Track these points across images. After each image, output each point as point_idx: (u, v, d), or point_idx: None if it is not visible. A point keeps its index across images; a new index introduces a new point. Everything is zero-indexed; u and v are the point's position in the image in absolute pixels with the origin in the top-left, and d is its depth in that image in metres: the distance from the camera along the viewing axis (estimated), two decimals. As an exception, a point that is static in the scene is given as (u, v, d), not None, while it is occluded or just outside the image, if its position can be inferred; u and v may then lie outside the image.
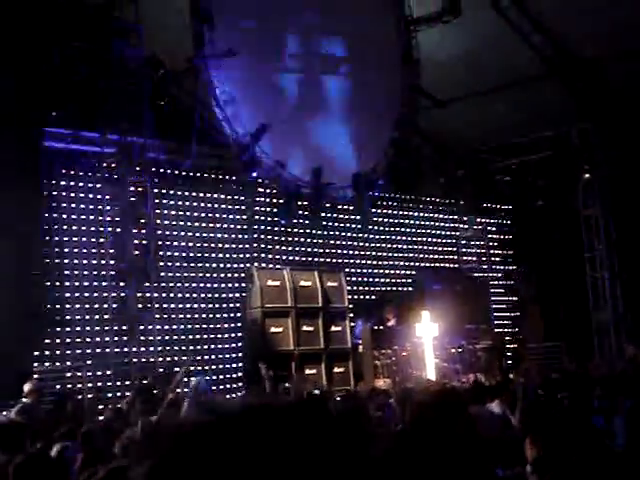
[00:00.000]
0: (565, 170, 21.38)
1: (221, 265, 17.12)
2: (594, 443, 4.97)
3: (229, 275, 17.25)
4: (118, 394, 14.75)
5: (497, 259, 23.51)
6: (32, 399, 11.42)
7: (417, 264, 21.15)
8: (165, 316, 15.92)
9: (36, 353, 14.15)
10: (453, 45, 18.77)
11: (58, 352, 14.50)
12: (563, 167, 21.34)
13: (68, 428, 8.54)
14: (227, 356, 16.92)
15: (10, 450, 6.15)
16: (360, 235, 19.97)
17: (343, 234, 19.68)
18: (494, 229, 23.66)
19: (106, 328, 15.05)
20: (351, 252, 19.80)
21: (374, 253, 20.27)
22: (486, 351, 18.86)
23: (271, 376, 13.46)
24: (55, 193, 15.04)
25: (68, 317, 14.75)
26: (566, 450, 4.51)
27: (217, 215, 17.26)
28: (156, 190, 16.23)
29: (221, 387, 16.48)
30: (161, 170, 16.46)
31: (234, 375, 16.88)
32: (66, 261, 14.93)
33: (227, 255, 17.24)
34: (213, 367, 16.43)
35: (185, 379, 13.69)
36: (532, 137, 20.72)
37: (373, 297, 19.77)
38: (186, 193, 16.88)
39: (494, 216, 23.71)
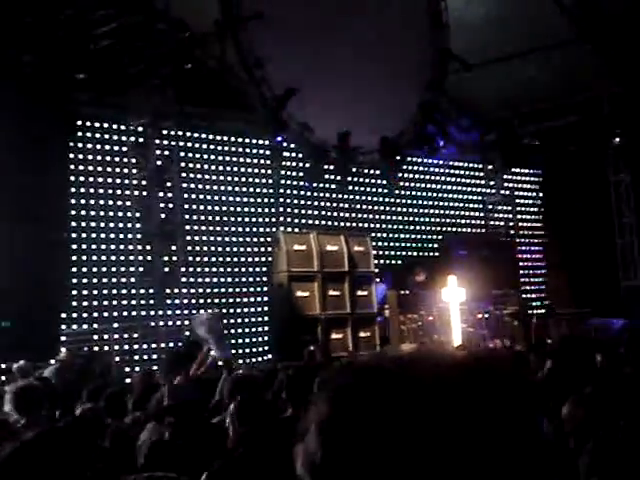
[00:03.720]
0: (595, 135, 21.14)
1: (247, 229, 17.14)
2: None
3: (255, 239, 17.26)
4: (145, 357, 14.88)
5: (525, 224, 23.39)
6: (62, 364, 11.52)
7: (444, 229, 21.08)
8: (191, 280, 15.99)
9: (63, 316, 14.27)
10: (482, 8, 18.53)
11: (85, 315, 14.62)
12: (593, 132, 21.09)
13: (94, 388, 8.63)
14: (253, 320, 16.98)
15: (27, 412, 6.22)
16: (387, 200, 19.89)
17: (370, 198, 19.61)
18: (522, 194, 23.52)
19: (133, 291, 15.14)
20: (378, 217, 19.73)
21: (401, 218, 20.21)
22: (513, 317, 18.80)
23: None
24: (81, 157, 15.08)
25: (95, 280, 14.84)
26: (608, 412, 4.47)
27: (243, 179, 17.25)
28: (182, 154, 16.25)
29: (247, 351, 16.56)
30: (187, 134, 16.46)
31: (260, 339, 16.95)
32: (93, 224, 15.00)
33: (253, 219, 17.25)
34: (239, 331, 16.51)
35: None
36: (562, 102, 20.47)
37: (399, 262, 19.73)
38: (212, 157, 16.88)
39: (523, 181, 23.55)
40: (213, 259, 16.60)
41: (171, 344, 14.97)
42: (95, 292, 14.82)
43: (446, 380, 1.03)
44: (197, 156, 16.69)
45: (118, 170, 15.44)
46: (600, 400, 4.55)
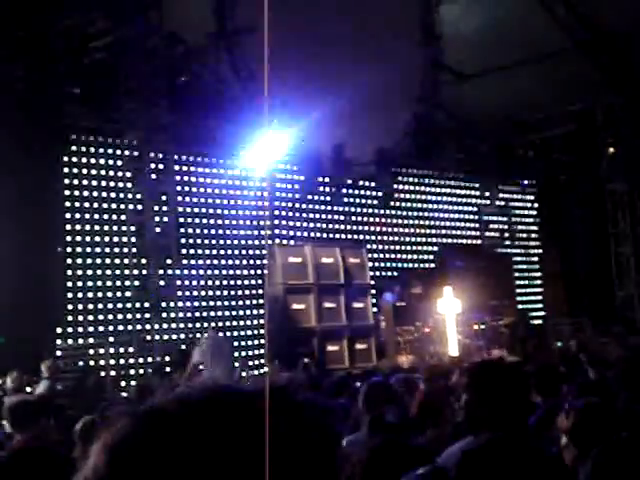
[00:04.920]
0: (590, 144, 21.17)
1: (242, 242, 17.12)
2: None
3: (250, 252, 17.24)
4: (140, 371, 14.84)
5: (521, 235, 23.39)
6: (52, 378, 11.47)
7: (440, 240, 21.08)
8: (187, 293, 15.96)
9: (59, 330, 14.23)
10: (476, 19, 18.57)
11: (80, 329, 14.58)
12: (588, 142, 21.12)
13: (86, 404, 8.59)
14: (249, 333, 16.95)
15: (23, 428, 6.17)
16: (382, 211, 19.88)
17: (365, 210, 19.60)
18: (518, 205, 23.53)
19: (128, 305, 15.11)
20: (373, 228, 19.71)
21: (396, 229, 20.20)
22: (509, 327, 18.77)
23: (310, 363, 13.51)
24: (76, 171, 15.05)
25: (90, 294, 14.80)
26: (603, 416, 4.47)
27: (238, 192, 17.23)
28: (177, 167, 16.24)
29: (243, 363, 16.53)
30: (182, 148, 16.45)
31: (256, 352, 16.92)
32: (88, 238, 14.96)
33: (248, 232, 17.22)
34: (235, 344, 16.47)
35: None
36: (556, 112, 20.49)
37: (395, 274, 19.69)
38: (207, 170, 16.87)
39: (518, 192, 23.57)
40: (208, 272, 16.56)
41: (167, 358, 14.96)
42: (90, 306, 14.78)
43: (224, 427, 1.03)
44: (192, 169, 16.67)
45: (113, 184, 15.41)
46: (595, 411, 4.54)
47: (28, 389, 11.77)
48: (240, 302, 16.94)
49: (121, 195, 15.43)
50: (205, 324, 16.01)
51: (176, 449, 0.97)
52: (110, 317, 14.96)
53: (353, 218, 19.31)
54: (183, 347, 15.21)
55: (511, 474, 3.34)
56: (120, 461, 0.99)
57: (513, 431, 3.67)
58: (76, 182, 15.03)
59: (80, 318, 14.62)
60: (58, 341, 14.18)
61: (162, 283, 15.46)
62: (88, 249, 14.94)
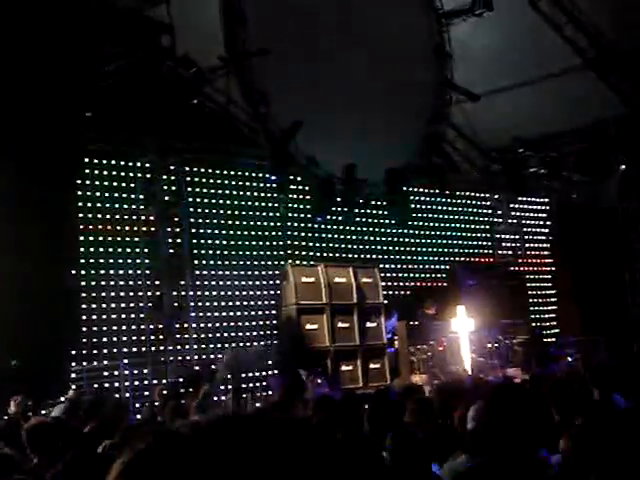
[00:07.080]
0: (601, 162, 21.16)
1: (255, 262, 17.16)
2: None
3: (263, 272, 17.28)
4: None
5: (533, 253, 23.35)
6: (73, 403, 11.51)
7: (452, 259, 21.06)
8: (200, 314, 16.00)
9: (73, 352, 14.27)
10: (486, 38, 18.64)
11: (95, 351, 14.62)
12: (600, 159, 21.12)
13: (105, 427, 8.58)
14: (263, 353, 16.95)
15: (42, 451, 6.20)
16: (394, 230, 19.91)
17: (377, 230, 19.63)
18: (530, 223, 23.51)
19: (142, 327, 15.15)
20: (385, 248, 19.74)
21: (409, 248, 20.22)
22: (523, 346, 18.73)
23: (312, 380, 13.51)
24: (89, 194, 15.14)
25: (104, 317, 14.86)
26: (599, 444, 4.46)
27: (250, 213, 17.30)
28: (189, 189, 16.32)
29: (257, 384, 16.52)
30: (194, 169, 16.54)
31: (270, 372, 16.91)
32: (101, 260, 15.04)
33: (261, 252, 17.27)
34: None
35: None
36: (567, 130, 20.52)
37: (408, 293, 19.70)
38: (219, 191, 16.94)
39: (530, 209, 23.56)
40: (222, 293, 16.61)
41: (181, 379, 14.98)
42: (105, 328, 14.83)
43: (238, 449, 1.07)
44: (204, 191, 16.76)
45: (126, 206, 15.50)
46: (593, 433, 4.54)
47: (43, 412, 11.80)
48: (254, 323, 16.96)
49: (134, 217, 15.51)
50: (219, 345, 16.05)
51: (188, 468, 1.02)
52: (124, 339, 15.01)
53: (365, 238, 19.33)
54: (197, 368, 15.25)
55: None
56: (136, 475, 1.04)
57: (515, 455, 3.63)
58: (89, 205, 15.12)
59: (94, 340, 14.67)
60: (72, 363, 14.22)
61: (175, 304, 15.50)
62: (102, 271, 15.01)
